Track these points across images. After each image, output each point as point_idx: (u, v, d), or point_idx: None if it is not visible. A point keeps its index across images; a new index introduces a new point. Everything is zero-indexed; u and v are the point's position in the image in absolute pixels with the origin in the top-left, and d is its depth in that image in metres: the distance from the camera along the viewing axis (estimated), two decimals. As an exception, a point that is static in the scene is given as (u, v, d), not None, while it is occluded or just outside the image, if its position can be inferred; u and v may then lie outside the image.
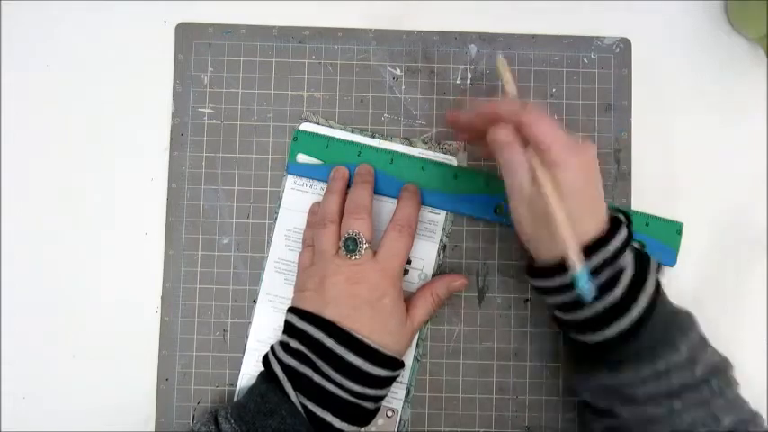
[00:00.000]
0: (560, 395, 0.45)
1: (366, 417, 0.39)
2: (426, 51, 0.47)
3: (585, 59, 0.47)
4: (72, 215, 0.46)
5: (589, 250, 0.36)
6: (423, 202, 0.45)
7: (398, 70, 0.47)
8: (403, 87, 0.47)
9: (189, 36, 0.47)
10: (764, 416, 0.45)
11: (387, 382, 0.39)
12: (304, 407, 0.37)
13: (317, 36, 0.47)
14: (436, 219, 0.45)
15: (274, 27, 0.47)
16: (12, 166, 0.46)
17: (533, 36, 0.47)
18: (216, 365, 0.45)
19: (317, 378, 0.38)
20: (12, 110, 0.46)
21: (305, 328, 0.39)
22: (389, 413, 0.44)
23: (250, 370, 0.44)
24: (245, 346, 0.45)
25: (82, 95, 0.47)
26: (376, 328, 0.39)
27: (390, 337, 0.39)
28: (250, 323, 0.45)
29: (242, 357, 0.45)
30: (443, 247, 0.46)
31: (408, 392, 0.45)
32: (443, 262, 0.46)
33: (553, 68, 0.47)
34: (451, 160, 0.46)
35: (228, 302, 0.45)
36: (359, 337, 0.38)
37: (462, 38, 0.47)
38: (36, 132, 0.46)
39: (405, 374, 0.44)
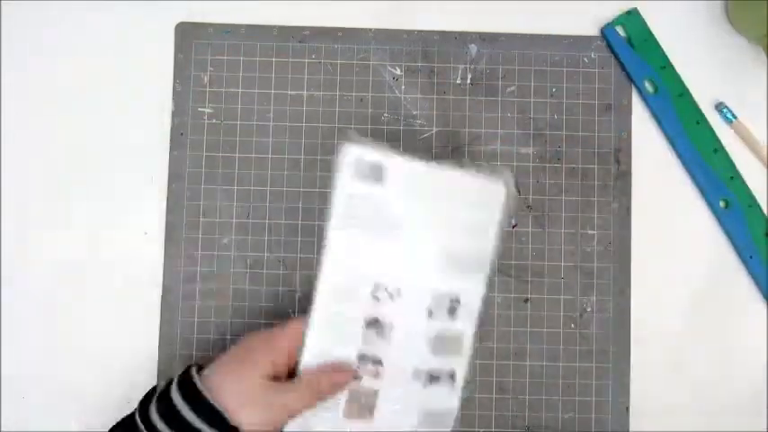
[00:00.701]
0: (560, 395, 0.45)
1: None
2: (426, 51, 0.47)
3: (585, 59, 0.47)
4: (72, 215, 0.46)
5: None
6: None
7: (398, 70, 0.47)
8: (403, 87, 0.47)
9: (189, 36, 0.47)
10: (765, 416, 0.45)
11: None
12: None
13: (317, 36, 0.47)
14: (485, 252, 0.40)
15: (274, 27, 0.47)
16: (12, 166, 0.46)
17: (533, 36, 0.47)
18: (216, 365, 0.45)
19: None
20: (12, 110, 0.46)
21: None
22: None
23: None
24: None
25: (82, 95, 0.47)
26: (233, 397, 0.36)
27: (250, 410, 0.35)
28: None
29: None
30: (487, 279, 0.40)
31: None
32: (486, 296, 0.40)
33: (553, 68, 0.47)
34: (499, 190, 0.39)
35: (228, 302, 0.45)
36: (198, 387, 0.36)
37: (462, 38, 0.47)
38: (36, 132, 0.46)
39: (452, 417, 0.40)
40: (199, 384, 0.36)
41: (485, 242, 0.40)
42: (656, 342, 0.46)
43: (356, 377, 0.39)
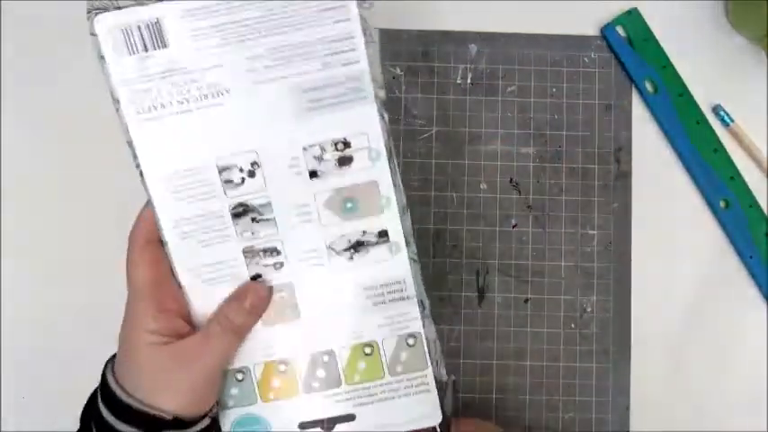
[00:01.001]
0: (560, 395, 0.45)
1: None
2: (426, 51, 0.47)
3: (585, 59, 0.47)
4: (72, 215, 0.46)
5: None
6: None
7: (398, 69, 0.47)
8: (403, 87, 0.47)
9: (189, 36, 0.46)
10: (765, 416, 0.45)
11: None
12: None
13: (317, 36, 0.47)
14: (355, 69, 0.31)
15: (274, 27, 0.47)
16: (12, 166, 0.46)
17: (533, 36, 0.47)
18: (216, 365, 0.45)
19: None
20: (12, 110, 0.46)
21: None
22: (410, 341, 0.33)
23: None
24: None
25: (82, 94, 0.47)
26: (142, 381, 0.31)
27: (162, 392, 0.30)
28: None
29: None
30: (383, 104, 0.32)
31: (423, 306, 0.33)
32: (390, 131, 0.32)
33: (553, 68, 0.47)
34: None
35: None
36: (111, 387, 0.31)
37: (462, 38, 0.47)
38: (36, 132, 0.46)
39: (408, 286, 0.33)
40: (111, 382, 0.31)
41: (352, 59, 0.31)
42: (656, 342, 0.46)
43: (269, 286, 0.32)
